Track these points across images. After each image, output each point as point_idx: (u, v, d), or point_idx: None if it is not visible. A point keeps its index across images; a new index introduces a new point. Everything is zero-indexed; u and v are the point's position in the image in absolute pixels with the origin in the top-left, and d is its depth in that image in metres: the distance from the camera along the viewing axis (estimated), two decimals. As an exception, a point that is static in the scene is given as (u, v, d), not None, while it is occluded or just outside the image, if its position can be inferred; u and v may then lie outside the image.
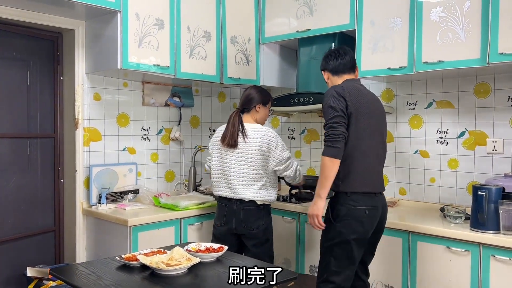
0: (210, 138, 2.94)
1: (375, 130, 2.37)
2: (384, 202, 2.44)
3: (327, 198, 2.33)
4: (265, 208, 2.78)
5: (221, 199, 2.80)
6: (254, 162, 2.70)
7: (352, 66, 2.48)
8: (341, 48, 2.53)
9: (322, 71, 2.56)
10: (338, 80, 2.47)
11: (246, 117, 2.79)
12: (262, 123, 2.86)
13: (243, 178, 2.71)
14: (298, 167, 2.83)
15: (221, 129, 2.83)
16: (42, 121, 3.08)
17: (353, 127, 2.27)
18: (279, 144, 2.71)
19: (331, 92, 2.31)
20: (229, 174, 2.74)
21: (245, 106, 2.80)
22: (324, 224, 2.35)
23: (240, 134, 2.71)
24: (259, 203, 2.74)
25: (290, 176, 2.80)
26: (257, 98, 2.80)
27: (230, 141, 2.70)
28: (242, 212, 2.71)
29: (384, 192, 2.44)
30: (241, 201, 2.72)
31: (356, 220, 2.28)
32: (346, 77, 2.47)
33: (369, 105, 2.35)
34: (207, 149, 3.04)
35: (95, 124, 3.16)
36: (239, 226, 2.72)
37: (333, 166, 2.23)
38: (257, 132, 2.72)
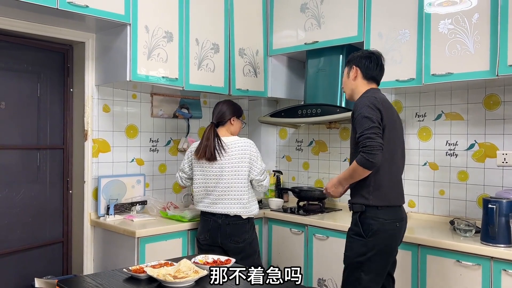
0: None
1: (400, 142, 2.35)
2: (405, 212, 2.41)
3: (354, 211, 2.32)
4: (250, 222, 2.81)
5: (205, 214, 2.81)
6: (240, 174, 2.73)
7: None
8: (382, 56, 2.41)
9: (354, 66, 2.38)
10: (364, 85, 2.36)
11: (221, 131, 2.83)
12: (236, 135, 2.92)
13: (229, 192, 2.73)
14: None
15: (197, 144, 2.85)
16: (51, 133, 3.11)
17: (386, 140, 2.20)
18: (259, 154, 2.80)
19: (365, 102, 2.21)
20: (213, 189, 2.75)
21: (220, 120, 2.85)
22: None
23: (218, 147, 2.73)
24: (244, 217, 2.75)
25: (266, 186, 2.85)
26: (231, 111, 2.87)
27: (207, 154, 2.72)
28: (228, 227, 2.73)
29: None
30: (226, 216, 2.74)
31: (389, 234, 2.25)
32: (372, 86, 2.38)
33: (396, 118, 2.32)
34: None
35: (104, 136, 3.18)
36: (225, 240, 2.73)
37: (363, 174, 2.21)
38: (237, 143, 2.77)
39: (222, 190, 2.74)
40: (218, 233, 2.74)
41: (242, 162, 2.74)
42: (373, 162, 2.13)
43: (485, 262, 2.35)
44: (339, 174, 2.42)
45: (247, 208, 2.76)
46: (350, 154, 2.42)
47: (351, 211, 2.36)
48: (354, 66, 2.39)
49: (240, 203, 2.74)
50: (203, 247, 2.79)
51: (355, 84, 2.39)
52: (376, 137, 2.13)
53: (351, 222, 2.35)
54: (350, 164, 2.31)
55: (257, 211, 2.85)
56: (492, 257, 2.33)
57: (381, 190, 2.24)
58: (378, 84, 2.41)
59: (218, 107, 2.88)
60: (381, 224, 2.23)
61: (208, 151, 2.72)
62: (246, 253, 2.75)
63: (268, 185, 2.88)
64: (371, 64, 2.35)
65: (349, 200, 2.38)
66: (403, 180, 3.20)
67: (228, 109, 2.86)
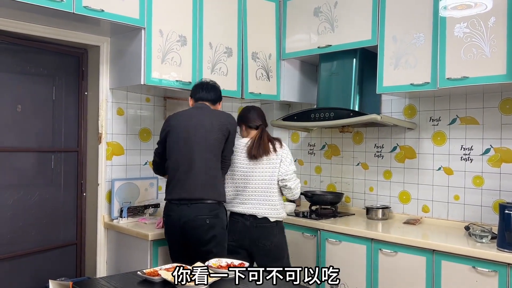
0: None
1: (193, 144, 2.58)
2: (193, 212, 2.53)
3: None
4: (278, 225, 2.78)
5: (233, 215, 2.80)
6: (270, 175, 2.73)
7: (214, 100, 2.78)
8: (205, 82, 2.83)
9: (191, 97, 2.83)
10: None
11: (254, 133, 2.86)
12: None
13: (259, 193, 2.73)
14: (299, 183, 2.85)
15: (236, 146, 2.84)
16: (66, 136, 3.14)
17: (168, 149, 2.65)
18: (290, 157, 2.81)
19: None
20: (243, 189, 2.75)
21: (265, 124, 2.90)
22: None
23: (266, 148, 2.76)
24: (272, 220, 2.74)
25: (291, 188, 2.76)
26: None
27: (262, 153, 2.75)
28: (256, 230, 2.72)
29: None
30: (254, 217, 2.72)
31: (165, 225, 2.65)
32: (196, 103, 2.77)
33: (191, 124, 2.61)
34: None
35: (118, 139, 3.20)
36: (252, 243, 2.72)
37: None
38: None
39: (252, 190, 2.73)
40: (246, 235, 2.73)
41: (273, 164, 2.73)
42: (154, 165, 2.84)
43: (501, 269, 2.32)
44: None
45: (276, 210, 2.74)
46: None
47: None
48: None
49: (269, 205, 2.72)
50: (229, 247, 2.75)
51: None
52: (156, 152, 2.76)
53: None
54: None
55: (285, 215, 2.83)
56: (509, 264, 2.29)
57: (168, 187, 2.63)
58: (207, 100, 2.76)
59: (262, 111, 2.96)
60: (164, 214, 2.65)
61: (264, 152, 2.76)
62: (274, 257, 2.73)
63: (295, 188, 2.79)
64: (196, 89, 2.79)
65: None
66: (417, 185, 3.23)
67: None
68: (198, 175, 2.56)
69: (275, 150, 2.75)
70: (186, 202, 2.54)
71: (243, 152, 2.77)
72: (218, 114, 2.73)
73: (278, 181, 2.76)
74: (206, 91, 2.78)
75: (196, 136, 2.60)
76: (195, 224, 2.52)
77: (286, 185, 2.76)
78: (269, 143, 2.76)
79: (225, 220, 2.66)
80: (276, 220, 2.76)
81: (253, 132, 2.84)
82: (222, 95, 2.94)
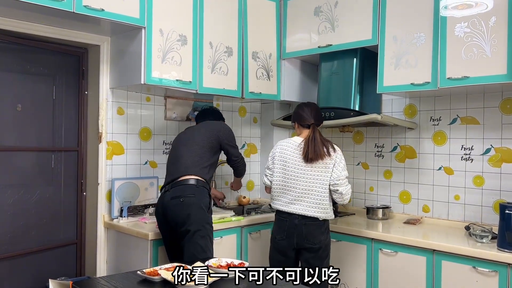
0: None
1: (181, 144, 2.87)
2: (170, 195, 2.68)
3: None
4: (326, 224, 2.74)
5: (280, 213, 2.75)
6: (321, 177, 2.67)
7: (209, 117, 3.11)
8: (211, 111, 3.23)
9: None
10: None
11: (306, 132, 2.76)
12: None
13: (309, 194, 2.67)
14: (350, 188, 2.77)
15: (284, 144, 2.78)
16: (66, 135, 3.14)
17: (170, 152, 3.00)
18: (343, 162, 2.71)
19: None
20: (292, 188, 2.69)
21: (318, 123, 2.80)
22: None
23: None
24: (321, 218, 2.69)
25: (342, 193, 2.69)
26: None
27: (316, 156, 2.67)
28: (304, 227, 2.66)
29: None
30: (303, 216, 2.67)
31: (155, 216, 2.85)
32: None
33: (185, 134, 2.96)
34: (226, 163, 3.10)
35: (118, 138, 3.20)
36: (301, 241, 2.67)
37: None
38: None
39: (302, 191, 2.67)
40: (294, 233, 2.68)
41: (327, 167, 2.67)
42: None
43: (502, 269, 2.32)
44: None
45: (326, 213, 2.69)
46: None
47: None
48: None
49: (320, 208, 2.66)
50: (278, 246, 2.74)
51: None
52: None
53: None
54: None
55: (333, 216, 2.76)
56: (509, 264, 2.29)
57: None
58: (209, 119, 3.08)
59: (316, 107, 2.84)
60: None
61: (319, 153, 2.67)
62: (319, 255, 2.68)
63: (346, 193, 2.69)
64: (198, 116, 3.21)
65: None
66: (417, 185, 3.24)
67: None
68: (182, 162, 2.78)
69: (329, 153, 2.67)
70: (168, 188, 2.73)
71: (296, 152, 2.70)
72: (210, 122, 3.00)
73: (329, 185, 2.68)
74: (205, 115, 3.13)
75: (185, 139, 2.89)
76: (170, 205, 2.66)
77: (337, 190, 2.67)
78: (323, 146, 2.68)
79: (205, 200, 2.71)
80: (325, 219, 2.71)
81: (306, 131, 2.76)
82: (223, 94, 2.95)
